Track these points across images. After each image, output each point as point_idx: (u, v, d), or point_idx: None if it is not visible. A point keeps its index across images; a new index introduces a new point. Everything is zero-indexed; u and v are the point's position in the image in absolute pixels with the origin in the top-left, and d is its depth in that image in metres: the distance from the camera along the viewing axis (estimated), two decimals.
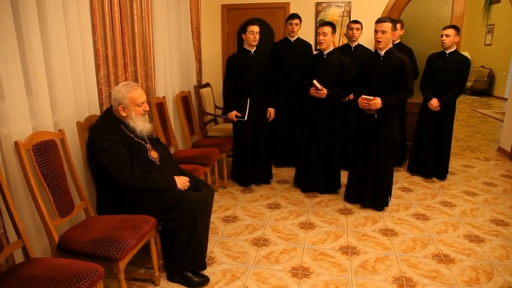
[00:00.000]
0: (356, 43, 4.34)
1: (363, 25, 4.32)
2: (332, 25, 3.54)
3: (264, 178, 4.09)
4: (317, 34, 3.62)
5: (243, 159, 3.94)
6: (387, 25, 3.10)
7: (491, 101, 10.56)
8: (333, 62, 3.58)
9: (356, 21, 4.30)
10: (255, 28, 3.70)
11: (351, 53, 4.24)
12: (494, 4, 11.07)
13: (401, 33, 4.37)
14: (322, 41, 3.52)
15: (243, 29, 3.80)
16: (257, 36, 3.73)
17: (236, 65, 3.79)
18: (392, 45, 3.26)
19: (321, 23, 3.61)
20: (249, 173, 3.97)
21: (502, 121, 6.25)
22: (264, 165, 4.04)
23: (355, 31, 4.25)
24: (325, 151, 3.70)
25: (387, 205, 3.46)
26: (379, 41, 3.16)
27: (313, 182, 3.81)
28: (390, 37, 3.16)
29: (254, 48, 3.82)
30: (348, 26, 4.37)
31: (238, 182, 4.09)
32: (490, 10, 11.33)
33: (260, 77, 3.84)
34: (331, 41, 3.57)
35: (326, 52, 3.60)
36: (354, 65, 3.56)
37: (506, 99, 6.41)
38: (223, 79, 3.99)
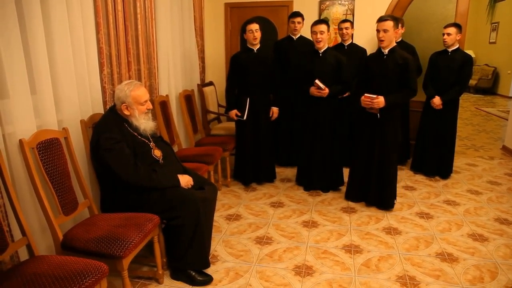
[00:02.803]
0: (349, 42, 4.34)
1: (363, 24, 4.32)
2: (326, 22, 3.55)
3: (267, 178, 4.09)
4: (312, 33, 3.56)
5: (243, 158, 3.94)
6: (389, 24, 3.08)
7: (495, 100, 10.50)
8: (329, 60, 3.58)
9: (345, 21, 4.33)
10: (253, 26, 3.67)
11: (344, 52, 4.24)
12: (499, 2, 11.00)
13: (402, 31, 4.36)
14: (320, 40, 3.51)
15: (243, 29, 3.79)
16: (257, 34, 3.70)
17: (238, 64, 3.78)
18: (395, 43, 3.24)
19: (315, 22, 3.56)
20: (250, 172, 3.96)
21: (507, 119, 6.21)
22: (267, 165, 4.02)
23: (344, 30, 4.26)
24: (327, 149, 3.70)
25: (392, 207, 3.43)
26: (382, 40, 3.15)
27: (316, 180, 3.81)
28: (392, 35, 3.14)
29: (258, 46, 3.79)
30: (338, 27, 4.38)
31: (239, 181, 4.09)
32: (495, 8, 11.25)
33: (263, 76, 3.81)
34: (327, 39, 3.58)
35: (322, 50, 3.60)
36: (348, 64, 3.57)
37: (511, 97, 6.37)
38: (226, 78, 3.99)
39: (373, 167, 3.35)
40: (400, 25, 4.28)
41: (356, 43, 4.42)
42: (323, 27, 3.49)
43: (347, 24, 4.26)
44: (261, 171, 4.01)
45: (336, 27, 4.91)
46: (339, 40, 4.89)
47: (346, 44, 4.35)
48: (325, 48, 3.61)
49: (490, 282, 2.37)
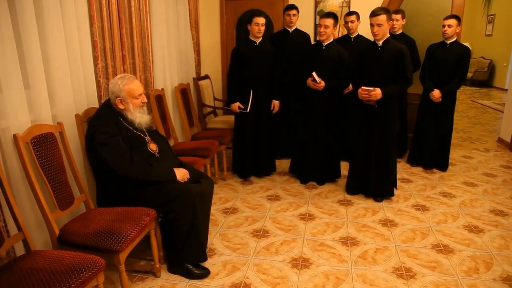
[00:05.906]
0: (356, 34, 4.30)
1: (362, 16, 4.28)
2: (334, 16, 3.50)
3: (267, 171, 4.09)
4: (318, 25, 3.56)
5: (243, 151, 3.93)
6: (382, 18, 3.07)
7: (491, 92, 10.53)
8: (332, 54, 3.56)
9: (350, 13, 4.27)
10: (261, 20, 3.65)
11: (351, 44, 4.22)
12: None
13: (403, 23, 4.32)
14: (323, 33, 3.50)
15: (248, 20, 3.75)
16: (262, 28, 3.69)
17: (240, 56, 3.75)
18: (389, 35, 3.23)
19: (323, 15, 3.54)
20: (249, 165, 3.96)
21: (502, 112, 6.24)
22: (267, 158, 4.02)
23: (350, 24, 4.22)
24: (322, 141, 3.70)
25: (393, 195, 3.46)
26: (376, 34, 3.14)
27: (310, 172, 3.82)
28: (386, 28, 3.13)
29: (260, 39, 3.77)
30: (344, 20, 4.34)
31: (238, 174, 4.09)
32: (491, 0, 11.24)
33: (264, 68, 3.79)
34: (331, 33, 3.54)
35: (326, 43, 3.58)
36: (354, 56, 3.54)
37: (506, 90, 6.39)
38: (228, 70, 3.96)
39: (372, 158, 3.36)
40: (400, 16, 4.26)
41: (363, 35, 4.37)
42: (328, 21, 3.46)
43: (353, 17, 4.21)
44: (261, 165, 4.01)
45: None
46: (335, 33, 4.87)
47: (353, 36, 4.31)
48: (330, 41, 3.59)
49: (485, 273, 2.39)
